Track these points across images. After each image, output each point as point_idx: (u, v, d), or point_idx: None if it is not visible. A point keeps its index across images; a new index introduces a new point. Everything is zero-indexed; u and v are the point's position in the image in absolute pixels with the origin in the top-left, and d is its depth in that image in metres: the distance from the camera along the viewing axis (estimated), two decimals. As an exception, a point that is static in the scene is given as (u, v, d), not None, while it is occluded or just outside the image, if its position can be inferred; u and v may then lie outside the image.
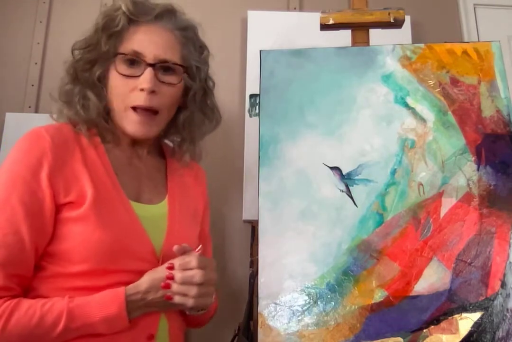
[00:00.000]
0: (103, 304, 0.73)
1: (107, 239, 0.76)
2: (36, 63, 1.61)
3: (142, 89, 0.83)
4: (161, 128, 0.91)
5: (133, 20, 0.86)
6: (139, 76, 0.83)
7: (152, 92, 0.83)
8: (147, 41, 0.85)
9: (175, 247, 0.80)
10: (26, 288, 0.75)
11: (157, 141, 0.99)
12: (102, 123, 0.86)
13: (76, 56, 0.87)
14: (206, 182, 1.07)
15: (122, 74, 0.84)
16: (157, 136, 0.96)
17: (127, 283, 0.77)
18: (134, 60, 0.84)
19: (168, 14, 0.90)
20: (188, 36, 0.93)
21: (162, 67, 0.86)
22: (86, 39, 0.87)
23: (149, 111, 0.85)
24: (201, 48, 0.96)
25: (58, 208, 0.76)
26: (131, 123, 0.85)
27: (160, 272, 0.78)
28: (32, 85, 1.58)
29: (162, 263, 0.82)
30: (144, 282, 0.77)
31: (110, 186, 0.81)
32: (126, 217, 0.81)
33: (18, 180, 0.75)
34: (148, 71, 0.83)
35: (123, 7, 0.85)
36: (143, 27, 0.86)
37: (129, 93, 0.84)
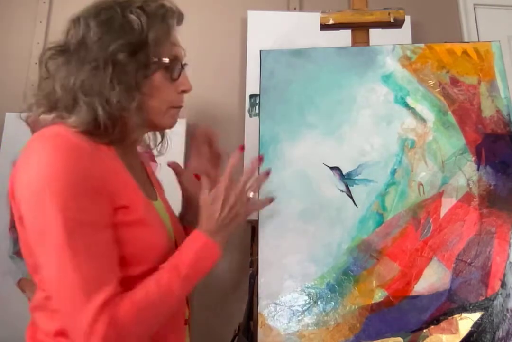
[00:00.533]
0: (188, 245, 0.79)
1: (160, 239, 0.79)
2: (36, 63, 1.60)
3: (184, 91, 0.87)
4: None
5: (175, 25, 0.87)
6: (178, 79, 0.85)
7: None
8: (179, 44, 0.88)
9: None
10: None
11: None
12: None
13: (121, 59, 0.77)
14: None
15: (174, 79, 0.84)
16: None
17: None
18: (177, 64, 0.86)
19: None
20: None
21: None
22: (132, 41, 0.78)
23: None
24: None
25: (113, 211, 0.74)
26: (172, 119, 0.89)
27: (207, 202, 0.84)
28: (32, 85, 1.58)
29: None
30: (202, 215, 0.83)
31: (140, 188, 0.81)
32: (157, 217, 0.83)
33: (77, 190, 0.68)
34: (186, 74, 0.87)
35: (175, 12, 0.85)
36: (176, 31, 0.87)
37: (175, 95, 0.86)
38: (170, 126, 0.91)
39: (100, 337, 0.64)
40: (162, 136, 0.98)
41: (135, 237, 0.76)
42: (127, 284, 0.73)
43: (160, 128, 0.92)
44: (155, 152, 0.99)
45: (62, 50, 0.80)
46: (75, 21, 0.80)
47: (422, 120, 1.06)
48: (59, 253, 0.65)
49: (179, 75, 0.85)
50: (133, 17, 0.78)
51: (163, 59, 0.82)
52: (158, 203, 0.89)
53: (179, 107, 0.88)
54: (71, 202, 0.67)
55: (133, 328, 0.68)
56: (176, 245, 0.85)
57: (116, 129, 0.78)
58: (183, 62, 0.87)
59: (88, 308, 0.64)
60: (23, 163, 0.71)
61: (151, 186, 0.94)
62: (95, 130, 0.76)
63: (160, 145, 0.99)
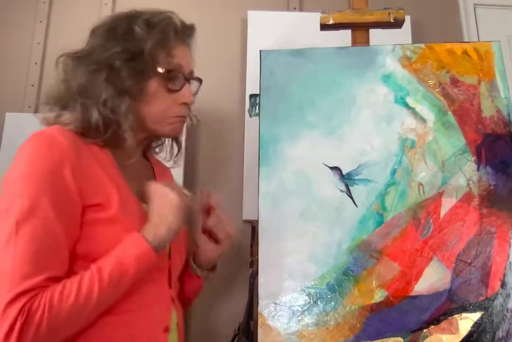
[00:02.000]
0: (125, 248, 0.76)
1: None
2: (36, 63, 1.61)
3: (185, 103, 0.89)
4: None
5: (178, 37, 0.89)
6: (178, 90, 0.88)
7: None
8: (185, 58, 0.90)
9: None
10: None
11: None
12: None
13: (117, 64, 0.84)
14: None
15: (171, 90, 0.87)
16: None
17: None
18: (177, 76, 0.88)
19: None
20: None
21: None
22: (130, 48, 0.84)
23: None
24: None
25: (84, 209, 0.77)
26: (170, 126, 0.90)
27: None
28: (32, 85, 1.58)
29: (171, 258, 0.87)
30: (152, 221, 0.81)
31: (125, 188, 0.83)
32: (142, 218, 0.83)
33: (44, 183, 0.74)
34: (189, 87, 0.90)
35: (178, 25, 0.88)
36: (182, 44, 0.90)
37: (172, 106, 0.88)
38: (170, 135, 0.94)
39: (10, 322, 0.66)
40: (179, 149, 1.02)
41: (104, 234, 0.77)
42: None
43: (158, 135, 0.94)
44: (171, 163, 1.03)
45: (74, 56, 0.86)
46: (91, 31, 0.88)
47: (422, 120, 1.06)
48: (7, 235, 0.69)
49: (180, 88, 0.87)
50: (136, 27, 0.84)
51: (158, 68, 0.85)
52: None
53: (179, 117, 0.90)
54: (32, 191, 0.72)
55: (45, 321, 0.68)
56: (171, 249, 0.87)
57: (108, 131, 0.83)
58: (188, 75, 0.89)
59: (8, 293, 0.67)
60: (13, 160, 0.77)
61: None
62: (87, 130, 0.82)
63: (176, 156, 1.03)
